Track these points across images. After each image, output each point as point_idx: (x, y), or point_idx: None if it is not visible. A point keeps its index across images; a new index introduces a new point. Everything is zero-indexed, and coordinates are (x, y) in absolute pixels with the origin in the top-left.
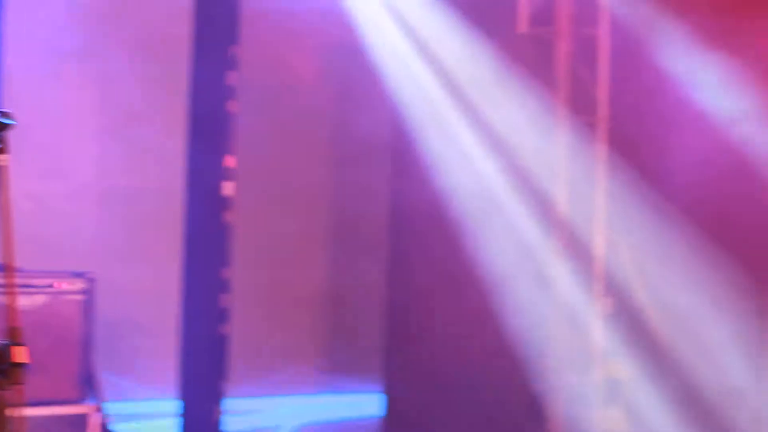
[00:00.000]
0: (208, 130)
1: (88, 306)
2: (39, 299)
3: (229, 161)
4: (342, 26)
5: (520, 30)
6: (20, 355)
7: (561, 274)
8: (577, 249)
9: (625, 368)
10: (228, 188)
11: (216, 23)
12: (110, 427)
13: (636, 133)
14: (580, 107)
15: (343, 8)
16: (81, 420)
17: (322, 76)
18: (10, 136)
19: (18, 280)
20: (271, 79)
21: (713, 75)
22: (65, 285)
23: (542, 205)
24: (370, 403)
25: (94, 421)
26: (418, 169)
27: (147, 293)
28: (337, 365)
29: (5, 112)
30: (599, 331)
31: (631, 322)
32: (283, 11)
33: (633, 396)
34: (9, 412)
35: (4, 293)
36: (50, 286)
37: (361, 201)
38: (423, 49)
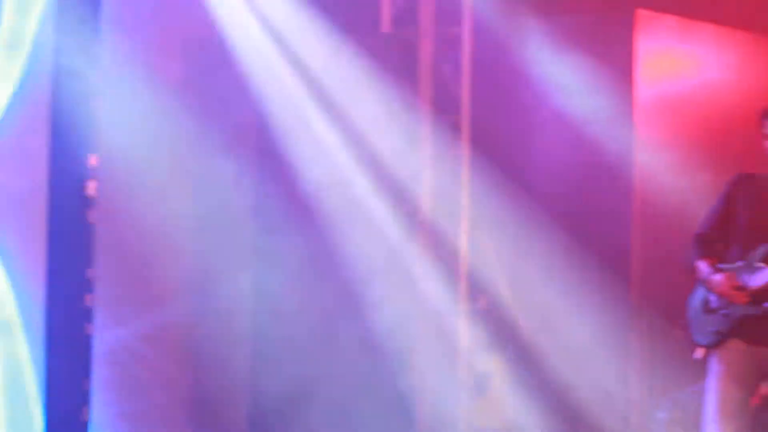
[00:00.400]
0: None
1: None
2: None
3: (93, 160)
4: (203, 24)
5: (384, 30)
6: None
7: (426, 272)
8: (441, 247)
9: (491, 363)
10: (91, 188)
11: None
12: None
13: (498, 132)
14: (444, 107)
15: (205, 5)
16: None
17: (184, 73)
18: None
19: None
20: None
21: (571, 75)
22: None
23: (407, 204)
24: None
25: None
26: (282, 168)
27: None
28: None
29: None
30: (465, 328)
31: (497, 320)
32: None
33: (499, 391)
34: None
35: None
36: None
37: (225, 197)
38: (286, 48)
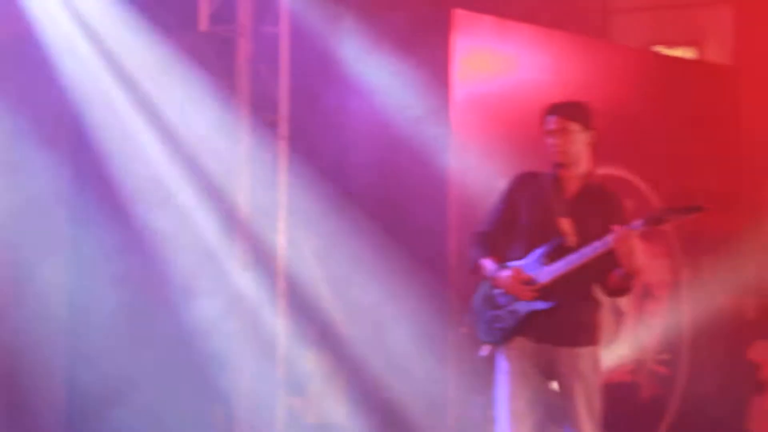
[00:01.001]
0: None
1: None
2: None
3: None
4: (18, 20)
5: (201, 28)
6: None
7: (244, 270)
8: (259, 246)
9: (310, 362)
10: None
11: None
12: None
13: (316, 131)
14: (262, 106)
15: (18, 2)
16: None
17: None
18: None
19: None
20: None
21: (388, 74)
22: None
23: (224, 203)
24: None
25: None
26: (98, 164)
27: None
28: None
29: None
30: (283, 327)
31: (315, 318)
32: None
33: (318, 390)
34: None
35: None
36: None
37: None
38: (102, 45)
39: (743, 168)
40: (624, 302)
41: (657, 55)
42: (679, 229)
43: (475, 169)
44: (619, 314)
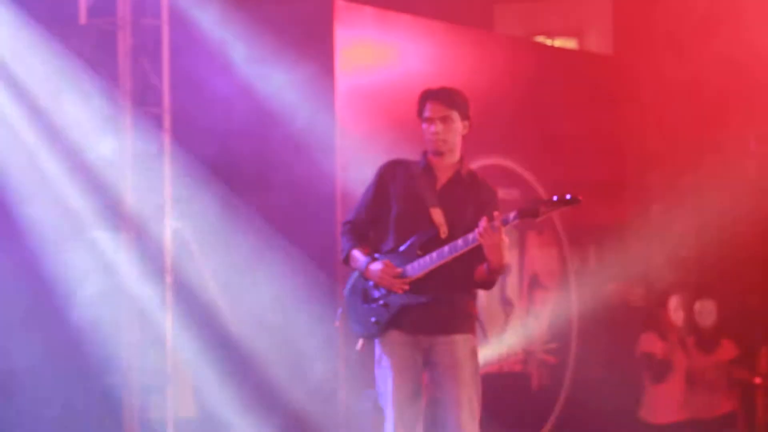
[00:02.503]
0: None
1: None
2: None
3: None
4: None
5: (81, 21)
6: None
7: (130, 265)
8: (145, 240)
9: (196, 355)
10: None
11: None
12: None
13: (200, 124)
14: (144, 99)
15: None
16: None
17: None
18: None
19: None
20: None
21: (271, 66)
22: None
23: (109, 198)
24: None
25: None
26: None
27: None
28: None
29: None
30: (170, 321)
31: (202, 312)
32: None
33: (203, 382)
34: None
35: None
36: None
37: None
38: None
39: (627, 157)
40: (512, 292)
41: (539, 45)
42: (565, 219)
43: (361, 160)
44: (507, 304)
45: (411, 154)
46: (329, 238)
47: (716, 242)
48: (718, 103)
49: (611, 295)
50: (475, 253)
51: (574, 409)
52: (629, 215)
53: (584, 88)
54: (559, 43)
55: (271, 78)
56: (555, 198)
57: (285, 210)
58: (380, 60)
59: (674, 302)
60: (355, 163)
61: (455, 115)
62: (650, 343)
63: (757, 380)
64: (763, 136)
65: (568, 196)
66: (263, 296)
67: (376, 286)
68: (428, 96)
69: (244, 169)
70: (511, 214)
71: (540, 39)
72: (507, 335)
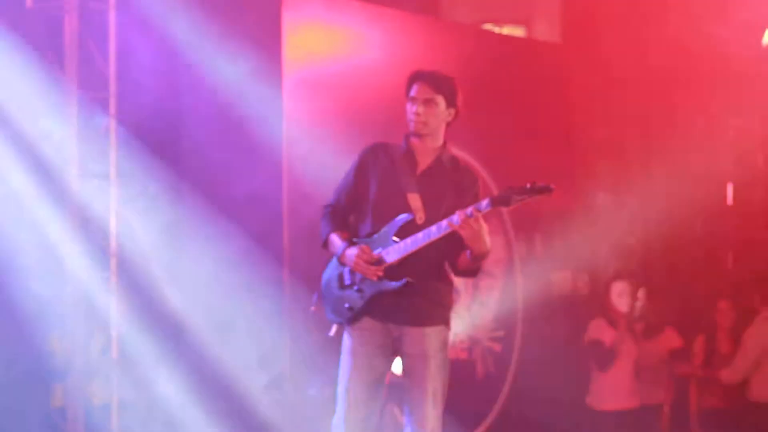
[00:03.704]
0: None
1: None
2: None
3: None
4: None
5: (27, 5)
6: None
7: (74, 250)
8: (90, 226)
9: (140, 340)
10: None
11: None
12: None
13: (148, 109)
14: (90, 83)
15: None
16: None
17: None
18: None
19: None
20: None
21: (219, 52)
22: None
23: (54, 183)
24: None
25: None
26: None
27: None
28: None
29: None
30: (114, 306)
31: (147, 296)
32: None
33: (148, 368)
34: None
35: None
36: None
37: None
38: None
39: (574, 145)
40: (458, 280)
41: (486, 32)
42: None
43: (308, 147)
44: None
45: (358, 141)
46: (276, 226)
47: (662, 230)
48: (666, 92)
49: (557, 282)
50: (456, 241)
51: (520, 396)
52: (576, 203)
53: (532, 76)
54: (507, 30)
55: (218, 63)
56: (528, 186)
57: (232, 197)
58: (329, 47)
59: (617, 288)
60: (302, 150)
61: (440, 100)
62: (599, 330)
63: (690, 369)
64: (710, 124)
65: (541, 185)
66: (209, 278)
67: (352, 273)
68: (417, 77)
69: (190, 154)
70: (484, 202)
71: (488, 27)
72: (453, 322)
